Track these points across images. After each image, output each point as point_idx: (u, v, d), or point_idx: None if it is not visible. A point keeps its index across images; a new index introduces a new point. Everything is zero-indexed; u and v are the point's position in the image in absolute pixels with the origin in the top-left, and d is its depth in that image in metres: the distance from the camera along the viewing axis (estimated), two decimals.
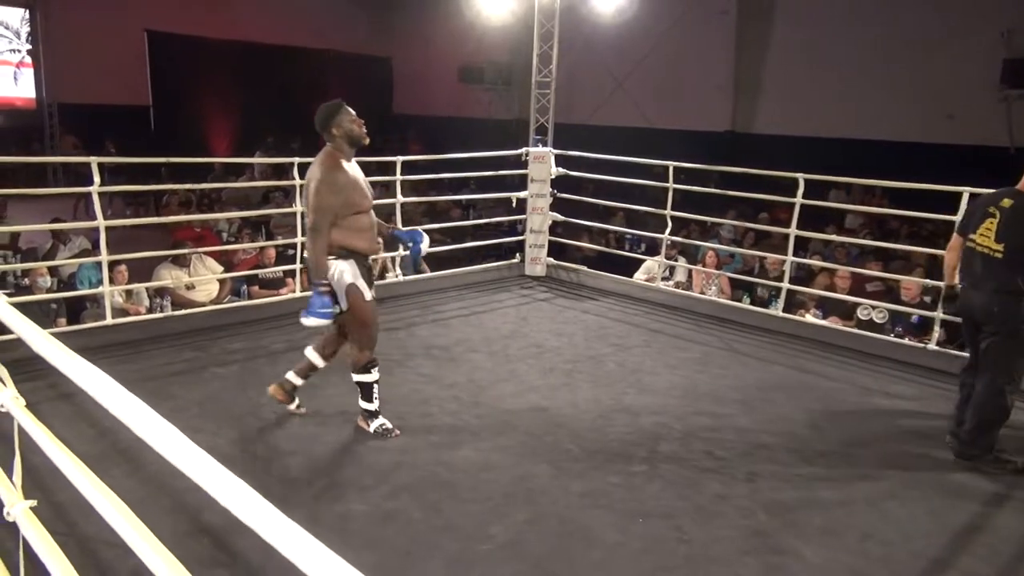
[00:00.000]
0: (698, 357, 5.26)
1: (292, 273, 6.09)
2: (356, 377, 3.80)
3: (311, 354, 3.93)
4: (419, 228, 4.06)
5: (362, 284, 3.66)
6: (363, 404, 3.83)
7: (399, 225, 5.60)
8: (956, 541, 3.13)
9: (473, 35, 13.78)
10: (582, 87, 14.21)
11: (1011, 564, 2.98)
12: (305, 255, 3.88)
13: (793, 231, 5.85)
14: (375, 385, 3.82)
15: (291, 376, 3.94)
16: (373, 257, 3.92)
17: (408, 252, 4.12)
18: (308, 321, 3.58)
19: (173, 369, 4.58)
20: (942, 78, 11.25)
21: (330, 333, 3.94)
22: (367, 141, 3.69)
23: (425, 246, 4.02)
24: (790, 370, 5.10)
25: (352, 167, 3.67)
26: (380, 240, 3.87)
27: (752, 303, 6.74)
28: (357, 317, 3.70)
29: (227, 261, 7.14)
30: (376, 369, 3.81)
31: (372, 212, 3.75)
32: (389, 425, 3.83)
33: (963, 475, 3.70)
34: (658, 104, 14.42)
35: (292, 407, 4.00)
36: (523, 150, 7.24)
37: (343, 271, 3.61)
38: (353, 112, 3.65)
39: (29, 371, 3.41)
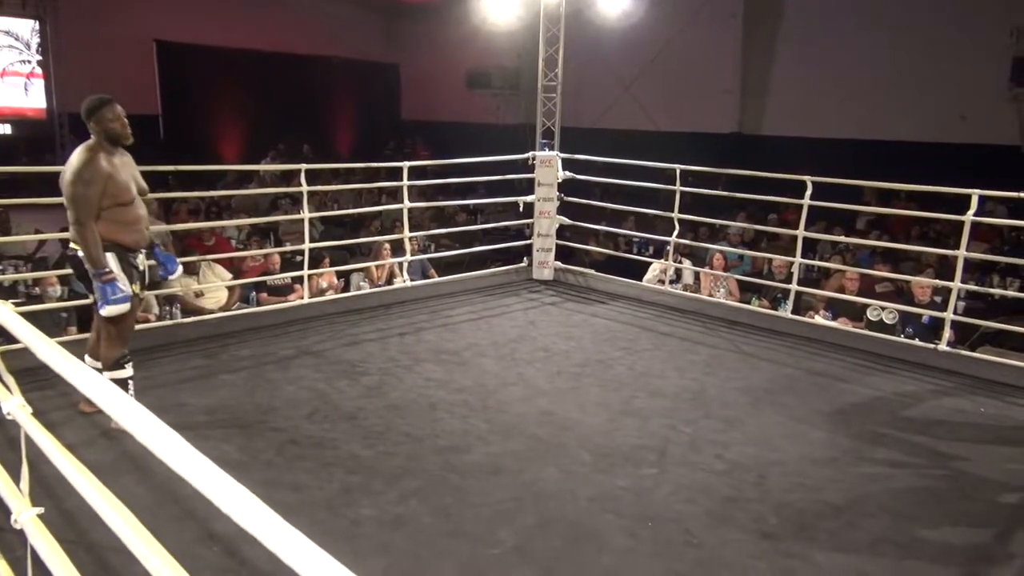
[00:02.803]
0: (707, 360, 5.24)
1: (300, 280, 6.10)
2: (109, 375, 3.72)
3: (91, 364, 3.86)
4: (174, 257, 4.18)
5: (121, 279, 3.72)
6: None
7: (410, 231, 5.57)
8: (973, 546, 3.09)
9: (480, 41, 13.79)
10: (589, 91, 14.20)
11: None
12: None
13: (801, 232, 5.83)
14: (130, 381, 3.82)
15: None
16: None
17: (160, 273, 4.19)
18: (106, 311, 3.68)
19: (182, 376, 4.60)
20: (951, 78, 11.20)
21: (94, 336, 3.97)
22: (129, 140, 3.79)
23: (174, 277, 4.20)
24: (800, 372, 5.07)
25: (115, 159, 3.72)
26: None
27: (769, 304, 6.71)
28: None
29: (236, 268, 7.16)
30: (130, 364, 3.82)
31: (142, 205, 3.82)
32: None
33: (979, 478, 3.66)
34: (664, 107, 14.39)
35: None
36: (530, 154, 7.24)
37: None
38: (120, 110, 3.74)
39: (40, 379, 3.42)
